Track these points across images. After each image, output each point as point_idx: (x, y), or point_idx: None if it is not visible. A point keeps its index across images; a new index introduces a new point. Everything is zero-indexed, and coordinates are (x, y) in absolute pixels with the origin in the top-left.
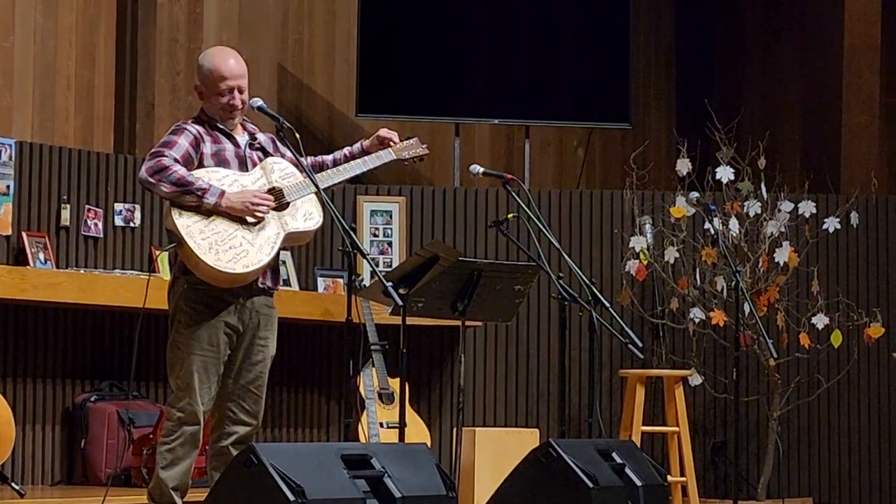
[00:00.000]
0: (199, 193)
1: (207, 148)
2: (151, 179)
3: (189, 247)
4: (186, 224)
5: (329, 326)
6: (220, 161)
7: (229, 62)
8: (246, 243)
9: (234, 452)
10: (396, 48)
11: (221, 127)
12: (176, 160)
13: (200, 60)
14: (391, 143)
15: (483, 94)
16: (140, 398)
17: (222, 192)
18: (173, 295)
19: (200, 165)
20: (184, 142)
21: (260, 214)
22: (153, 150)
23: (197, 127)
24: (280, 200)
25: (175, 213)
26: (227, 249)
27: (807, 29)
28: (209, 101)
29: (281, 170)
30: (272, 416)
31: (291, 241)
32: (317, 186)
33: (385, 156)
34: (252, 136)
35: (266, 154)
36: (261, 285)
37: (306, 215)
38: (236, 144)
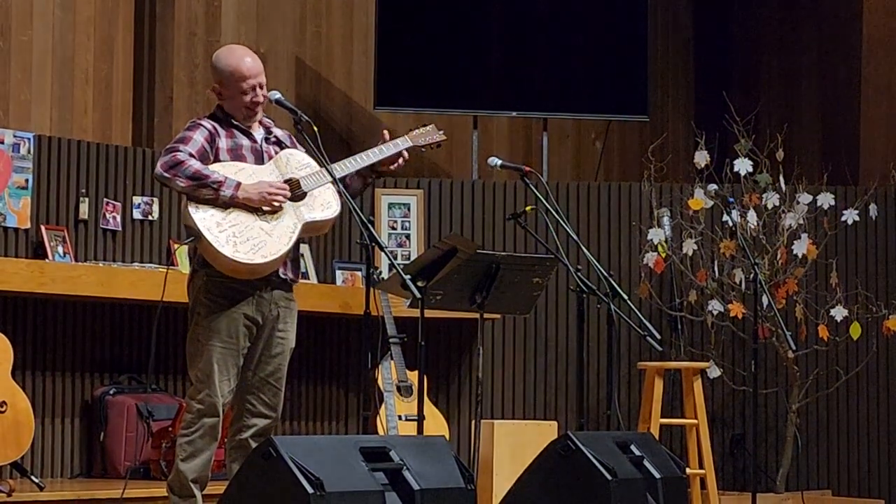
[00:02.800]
0: (216, 186)
1: (223, 143)
2: (167, 174)
3: (207, 240)
4: (203, 218)
5: (347, 319)
6: (237, 156)
7: (247, 61)
8: (264, 234)
9: (254, 445)
10: (414, 41)
11: (238, 123)
12: (191, 155)
13: (215, 62)
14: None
15: (501, 86)
16: (159, 391)
17: (238, 184)
18: (192, 288)
19: (216, 160)
20: (199, 137)
21: (277, 204)
22: (168, 147)
23: (212, 123)
24: (296, 191)
25: (192, 208)
26: (245, 241)
27: (825, 20)
28: (230, 101)
29: (297, 161)
30: (291, 409)
31: (310, 231)
32: (333, 178)
33: (401, 143)
34: (268, 131)
35: (283, 148)
36: (282, 276)
37: (324, 205)
38: (253, 140)
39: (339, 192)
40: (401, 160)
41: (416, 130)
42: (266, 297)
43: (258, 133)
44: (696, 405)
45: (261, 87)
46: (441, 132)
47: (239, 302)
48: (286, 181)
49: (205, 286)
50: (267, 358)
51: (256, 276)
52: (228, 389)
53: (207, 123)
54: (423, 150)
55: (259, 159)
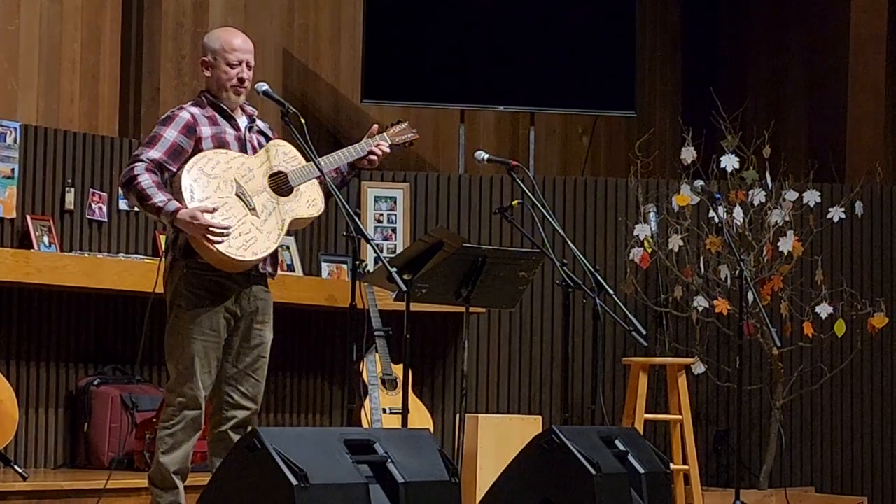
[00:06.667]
0: (155, 211)
1: (205, 131)
2: (122, 190)
3: None
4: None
5: (333, 312)
6: (220, 143)
7: (239, 37)
8: (255, 230)
9: (234, 437)
10: (402, 34)
11: (223, 107)
12: (151, 163)
13: (207, 37)
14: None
15: (488, 80)
16: (143, 382)
17: (176, 210)
18: (172, 279)
19: (198, 148)
20: (171, 133)
21: (216, 239)
22: (136, 152)
23: (193, 109)
24: (283, 186)
25: (187, 198)
26: (237, 236)
27: (813, 18)
28: (217, 73)
29: (284, 153)
30: (275, 401)
31: (293, 226)
32: (321, 171)
33: (380, 139)
34: (251, 118)
35: (267, 139)
36: (262, 271)
37: (310, 201)
38: (236, 127)
39: (325, 184)
40: (376, 157)
41: (393, 128)
42: (246, 292)
43: (242, 121)
44: (681, 401)
45: (248, 67)
46: (414, 131)
47: (220, 295)
48: (273, 175)
49: (185, 278)
50: (246, 349)
51: (237, 271)
52: (210, 382)
53: (187, 112)
54: (396, 147)
55: (242, 148)
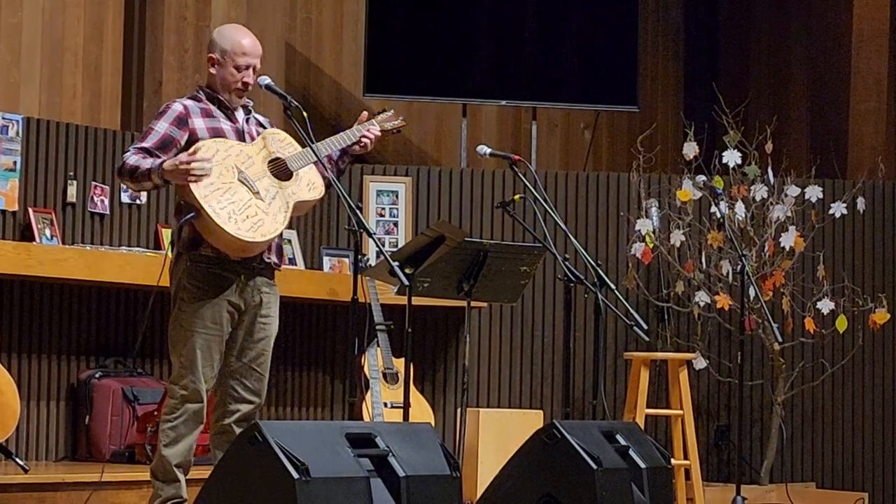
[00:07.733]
0: (147, 175)
1: (199, 122)
2: (119, 180)
3: (209, 215)
4: (204, 194)
5: (334, 306)
6: (216, 135)
7: (250, 39)
8: (261, 212)
9: (237, 430)
10: (404, 28)
11: (222, 99)
12: (140, 150)
13: (218, 33)
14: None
15: (490, 75)
16: (145, 375)
17: (162, 163)
18: (175, 272)
19: (193, 139)
20: (163, 125)
21: (201, 172)
22: (128, 148)
23: (187, 102)
24: (284, 171)
25: (192, 183)
26: (244, 219)
27: (815, 13)
28: (223, 73)
29: (280, 140)
30: (276, 395)
31: (295, 211)
32: (318, 159)
33: (370, 125)
34: (247, 111)
35: (264, 129)
36: (267, 260)
37: (310, 185)
38: (234, 120)
39: (323, 176)
40: (368, 140)
41: (381, 115)
42: (249, 284)
43: (240, 114)
44: (682, 396)
45: (254, 71)
46: (401, 118)
47: (223, 288)
48: (272, 161)
49: (188, 271)
50: (250, 343)
51: (246, 255)
52: (212, 375)
53: (179, 105)
54: (384, 134)
55: (241, 139)
